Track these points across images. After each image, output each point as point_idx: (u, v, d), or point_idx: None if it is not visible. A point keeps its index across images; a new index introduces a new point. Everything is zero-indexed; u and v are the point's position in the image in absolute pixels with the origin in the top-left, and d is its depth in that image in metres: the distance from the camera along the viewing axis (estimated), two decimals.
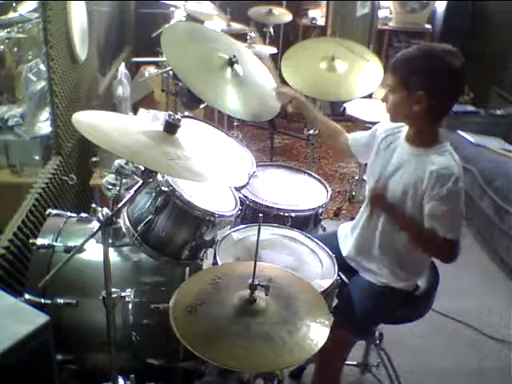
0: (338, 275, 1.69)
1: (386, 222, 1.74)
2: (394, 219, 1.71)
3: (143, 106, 3.11)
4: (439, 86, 1.59)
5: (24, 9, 2.41)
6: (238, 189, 1.95)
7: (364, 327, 1.84)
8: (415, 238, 1.69)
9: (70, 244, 1.70)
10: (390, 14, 5.25)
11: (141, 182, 1.37)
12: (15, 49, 2.50)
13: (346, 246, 1.90)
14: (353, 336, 1.81)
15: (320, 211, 2.12)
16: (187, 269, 1.74)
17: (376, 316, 1.81)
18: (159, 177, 1.52)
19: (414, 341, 2.46)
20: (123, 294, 1.52)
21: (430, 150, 1.65)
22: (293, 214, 2.04)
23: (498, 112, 4.02)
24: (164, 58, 2.91)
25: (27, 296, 1.62)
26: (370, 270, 1.80)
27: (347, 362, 2.08)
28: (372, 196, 1.76)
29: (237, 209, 1.76)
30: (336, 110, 4.43)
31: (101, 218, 1.36)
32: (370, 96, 2.63)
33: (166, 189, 1.54)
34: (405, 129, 1.74)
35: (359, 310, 1.75)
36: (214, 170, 1.47)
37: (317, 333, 1.25)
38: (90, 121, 1.37)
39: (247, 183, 1.93)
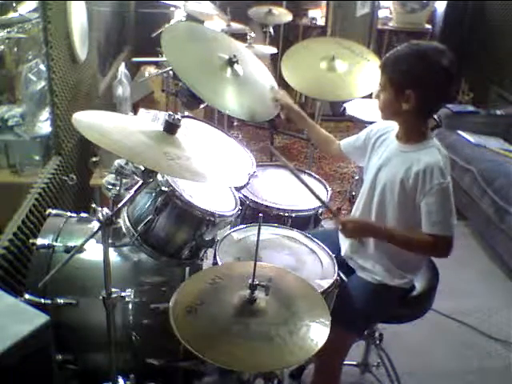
0: (338, 274, 1.70)
1: (379, 220, 1.75)
2: (378, 238, 1.74)
3: (143, 106, 3.11)
4: (427, 84, 1.60)
5: (24, 9, 2.41)
6: (238, 189, 1.95)
7: (360, 326, 1.83)
8: (404, 247, 1.71)
9: (70, 244, 1.70)
10: (390, 13, 5.24)
11: (141, 182, 1.38)
12: (15, 49, 2.50)
13: (344, 246, 1.91)
14: (350, 335, 1.81)
15: (320, 211, 2.13)
16: (187, 269, 1.74)
17: (372, 314, 1.81)
18: (159, 177, 1.52)
19: (414, 341, 2.46)
20: (123, 294, 1.52)
21: (417, 146, 1.67)
22: (293, 214, 2.04)
23: (498, 112, 4.01)
24: (164, 58, 2.90)
25: (27, 296, 1.62)
26: (366, 269, 1.81)
27: (347, 362, 2.08)
28: (349, 231, 1.72)
29: (237, 209, 1.76)
30: (336, 110, 4.43)
31: (101, 218, 1.36)
32: (369, 96, 2.62)
33: (166, 189, 1.53)
34: (397, 127, 1.75)
35: (355, 308, 1.75)
36: (213, 170, 1.47)
37: (317, 333, 1.25)
38: (90, 121, 1.37)
39: (247, 183, 1.93)
